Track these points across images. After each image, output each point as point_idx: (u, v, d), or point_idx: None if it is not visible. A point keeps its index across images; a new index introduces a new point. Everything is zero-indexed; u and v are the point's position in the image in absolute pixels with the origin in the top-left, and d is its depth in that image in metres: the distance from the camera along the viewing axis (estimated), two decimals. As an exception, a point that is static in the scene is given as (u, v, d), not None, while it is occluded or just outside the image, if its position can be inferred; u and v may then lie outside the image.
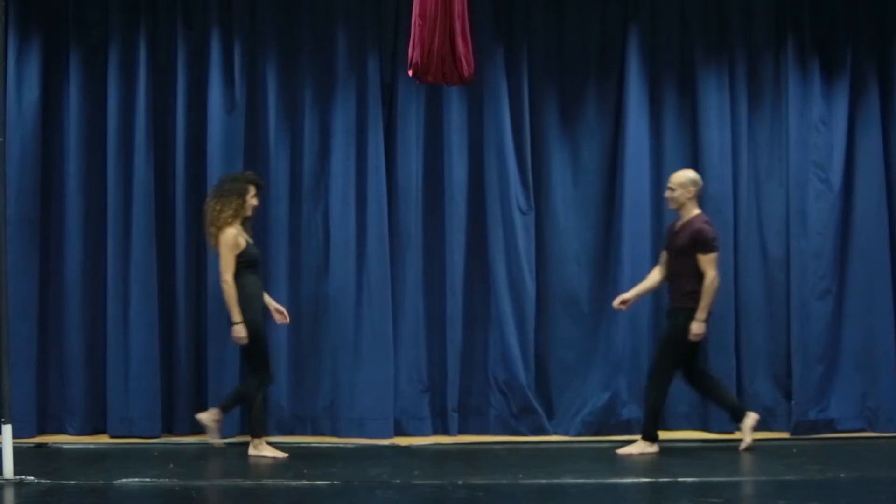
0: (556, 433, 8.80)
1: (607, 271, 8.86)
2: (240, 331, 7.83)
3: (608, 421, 8.74)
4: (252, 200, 8.03)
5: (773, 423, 8.76)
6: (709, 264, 7.95)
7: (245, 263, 7.92)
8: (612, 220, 8.89)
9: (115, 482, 7.21)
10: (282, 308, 8.26)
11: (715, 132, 8.81)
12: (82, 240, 8.67)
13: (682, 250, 8.04)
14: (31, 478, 7.21)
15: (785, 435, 8.68)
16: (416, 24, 6.86)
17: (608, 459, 8.03)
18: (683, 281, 8.01)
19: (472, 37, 7.03)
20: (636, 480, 7.34)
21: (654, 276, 8.28)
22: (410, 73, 7.01)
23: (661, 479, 7.32)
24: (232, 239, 7.88)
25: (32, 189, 8.59)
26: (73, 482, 7.24)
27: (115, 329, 8.59)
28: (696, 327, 7.92)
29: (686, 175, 8.16)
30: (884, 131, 8.86)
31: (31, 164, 8.58)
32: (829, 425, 8.74)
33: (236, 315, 7.82)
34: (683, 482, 7.22)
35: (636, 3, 8.88)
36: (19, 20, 8.55)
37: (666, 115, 8.91)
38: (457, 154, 8.76)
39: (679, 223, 8.16)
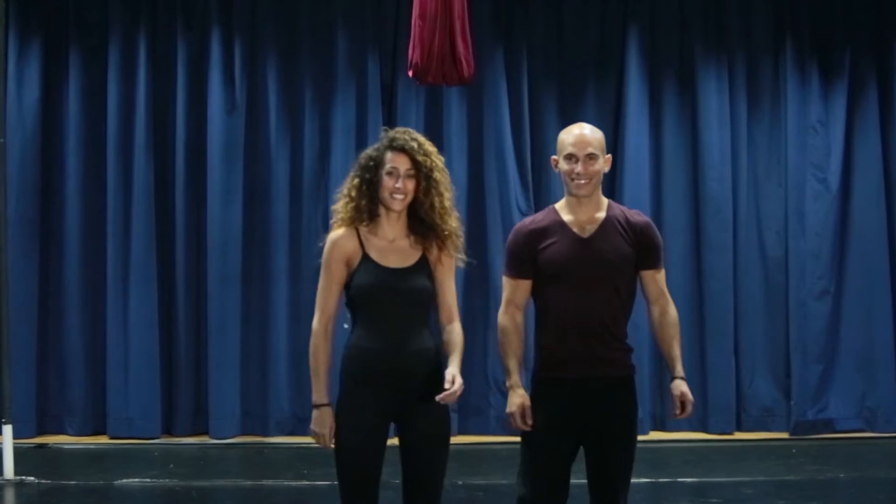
0: (555, 433, 8.82)
1: (606, 271, 8.87)
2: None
3: (606, 420, 8.77)
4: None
5: (773, 423, 8.80)
6: None
7: None
8: (611, 220, 8.91)
9: (115, 482, 7.26)
10: None
11: (714, 133, 8.82)
12: (82, 240, 8.69)
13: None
14: (32, 478, 7.25)
15: (784, 435, 8.70)
16: (416, 24, 6.83)
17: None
18: None
19: (472, 37, 7.03)
20: (636, 480, 7.30)
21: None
22: (410, 73, 6.98)
23: (660, 479, 7.35)
24: None
25: (33, 189, 8.61)
26: (73, 482, 7.28)
27: (114, 329, 8.60)
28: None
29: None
30: (882, 133, 8.88)
31: (32, 164, 8.61)
32: (828, 425, 8.75)
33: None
34: (683, 482, 7.28)
35: (636, 3, 8.90)
36: (19, 22, 8.56)
37: (665, 115, 8.93)
38: (457, 154, 8.75)
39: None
